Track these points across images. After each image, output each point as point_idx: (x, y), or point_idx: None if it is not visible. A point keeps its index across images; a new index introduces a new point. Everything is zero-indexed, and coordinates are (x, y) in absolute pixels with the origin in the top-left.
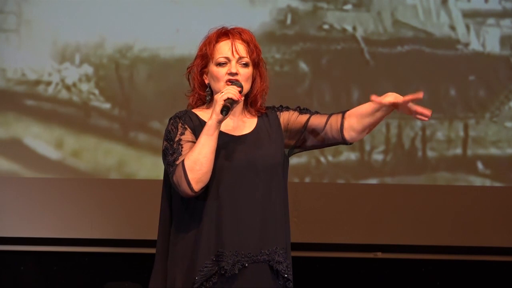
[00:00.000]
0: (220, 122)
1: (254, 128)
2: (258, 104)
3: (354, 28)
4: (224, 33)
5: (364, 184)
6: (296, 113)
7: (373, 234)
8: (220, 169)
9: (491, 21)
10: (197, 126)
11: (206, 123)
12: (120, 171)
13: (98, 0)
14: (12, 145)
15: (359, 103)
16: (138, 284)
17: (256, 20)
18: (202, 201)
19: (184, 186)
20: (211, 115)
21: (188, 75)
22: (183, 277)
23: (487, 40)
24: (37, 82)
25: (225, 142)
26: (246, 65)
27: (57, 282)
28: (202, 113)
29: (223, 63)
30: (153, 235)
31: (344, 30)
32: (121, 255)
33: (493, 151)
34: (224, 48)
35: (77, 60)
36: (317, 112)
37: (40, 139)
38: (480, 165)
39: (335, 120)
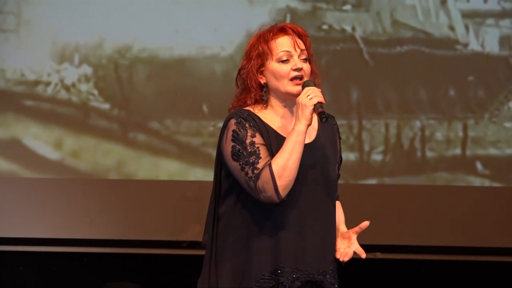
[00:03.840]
0: (307, 127)
1: (316, 136)
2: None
3: (353, 29)
4: (280, 29)
5: (363, 185)
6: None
7: (372, 234)
8: None
9: (490, 21)
10: (263, 129)
11: (294, 128)
12: (119, 172)
13: (97, 1)
14: (11, 146)
15: (358, 103)
16: (137, 284)
17: (255, 20)
18: (259, 211)
19: (271, 192)
20: (299, 119)
21: (237, 77)
22: (234, 283)
23: (486, 41)
24: (36, 83)
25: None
26: (306, 60)
27: (56, 282)
28: (262, 114)
29: (286, 60)
30: (152, 235)
31: (343, 30)
32: (120, 256)
33: (492, 151)
34: (285, 44)
35: (76, 61)
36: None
37: (39, 139)
38: (479, 166)
39: None
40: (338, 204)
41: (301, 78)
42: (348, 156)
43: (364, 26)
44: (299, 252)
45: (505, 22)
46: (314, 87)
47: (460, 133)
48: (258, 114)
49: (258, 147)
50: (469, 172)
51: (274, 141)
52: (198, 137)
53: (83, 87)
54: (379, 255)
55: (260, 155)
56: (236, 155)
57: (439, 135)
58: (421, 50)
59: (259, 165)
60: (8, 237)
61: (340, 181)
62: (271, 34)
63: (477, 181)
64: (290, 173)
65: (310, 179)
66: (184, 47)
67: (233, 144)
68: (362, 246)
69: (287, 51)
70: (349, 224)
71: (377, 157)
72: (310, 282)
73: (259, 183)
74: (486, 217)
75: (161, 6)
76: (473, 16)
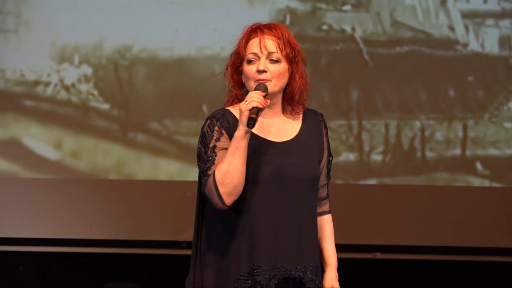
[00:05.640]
0: (248, 132)
1: (297, 134)
2: (295, 101)
3: (353, 29)
4: (254, 30)
5: (363, 185)
6: (324, 170)
7: (372, 234)
8: (256, 179)
9: (490, 21)
10: (234, 127)
11: (234, 134)
12: (119, 172)
13: (97, 1)
14: (11, 146)
15: (358, 103)
16: (137, 284)
17: (255, 20)
18: (235, 212)
19: (216, 200)
20: (239, 125)
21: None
22: (217, 284)
23: (486, 41)
24: (36, 83)
25: (263, 149)
26: (277, 61)
27: (56, 282)
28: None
29: (253, 60)
30: (152, 235)
31: (343, 30)
32: (120, 256)
33: (492, 151)
34: (253, 45)
35: (76, 61)
36: (328, 181)
37: (39, 139)
38: (479, 166)
39: (318, 194)
40: (327, 218)
41: (266, 79)
42: (348, 156)
43: (364, 26)
44: (275, 250)
45: (505, 23)
46: (256, 92)
47: (460, 134)
48: (235, 112)
49: (216, 152)
50: (469, 173)
51: (251, 141)
52: (197, 137)
53: (83, 87)
54: (379, 255)
55: (215, 161)
56: (198, 158)
57: (439, 136)
58: (421, 50)
59: (210, 172)
60: (8, 237)
61: (340, 181)
62: (246, 34)
63: (477, 182)
64: (233, 179)
65: (285, 177)
66: (184, 47)
67: (199, 146)
68: (362, 246)
69: (254, 52)
70: (348, 225)
71: (377, 157)
72: (290, 279)
73: (206, 190)
74: (486, 217)
75: (160, 6)
76: (473, 17)
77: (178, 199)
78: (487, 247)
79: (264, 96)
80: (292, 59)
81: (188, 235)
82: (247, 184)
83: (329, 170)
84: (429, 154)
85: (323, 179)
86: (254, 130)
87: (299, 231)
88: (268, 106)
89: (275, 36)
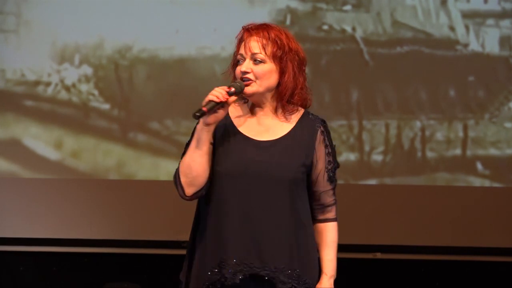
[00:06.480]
0: (207, 125)
1: (284, 135)
2: (284, 100)
3: (354, 29)
4: (245, 30)
5: (364, 185)
6: (323, 175)
7: (372, 234)
8: (228, 174)
9: (490, 21)
10: (221, 124)
11: (195, 126)
12: (119, 172)
13: (97, 1)
14: (11, 146)
15: (358, 103)
16: (137, 284)
17: (255, 21)
18: (210, 205)
19: (179, 190)
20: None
21: None
22: (196, 279)
23: (487, 41)
24: (37, 83)
25: (241, 145)
26: (260, 61)
27: (56, 282)
28: (238, 108)
29: (240, 61)
30: (152, 235)
31: (344, 30)
32: (120, 256)
33: (493, 151)
34: (241, 46)
35: (76, 61)
36: (332, 187)
37: (39, 139)
38: (479, 166)
39: (321, 200)
40: (330, 226)
41: (251, 80)
42: (349, 156)
43: (364, 26)
44: (244, 246)
45: (505, 23)
46: (221, 87)
47: (460, 134)
48: (233, 107)
49: (190, 145)
50: (469, 173)
51: (230, 136)
52: None
53: (83, 87)
54: (379, 255)
55: (186, 152)
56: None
57: (439, 136)
58: (421, 50)
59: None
60: (8, 237)
61: (340, 181)
62: (239, 35)
63: (477, 182)
64: (191, 170)
65: (258, 176)
66: (184, 47)
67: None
68: (363, 246)
69: (241, 53)
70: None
71: (377, 157)
72: (259, 278)
73: (173, 179)
74: (486, 217)
75: (161, 6)
76: (473, 17)
77: (178, 199)
78: (487, 247)
79: (235, 94)
80: (280, 58)
81: (188, 235)
82: (221, 177)
83: (330, 176)
84: (429, 154)
85: (322, 185)
86: (238, 127)
87: (278, 232)
88: (258, 105)
89: (260, 36)
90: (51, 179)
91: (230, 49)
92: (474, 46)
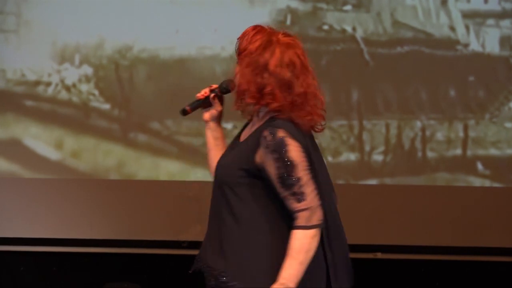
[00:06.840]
0: (206, 122)
1: (243, 140)
2: (238, 102)
3: (354, 29)
4: None
5: (364, 185)
6: (276, 181)
7: (373, 234)
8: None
9: (490, 21)
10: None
11: None
12: (120, 172)
13: (97, 1)
14: (11, 146)
15: (359, 103)
16: (137, 284)
17: (256, 21)
18: None
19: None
20: None
21: None
22: None
23: (487, 41)
24: (37, 83)
25: (226, 150)
26: (237, 62)
27: (56, 282)
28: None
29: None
30: (152, 235)
31: (344, 30)
32: (120, 256)
33: (493, 151)
34: None
35: (76, 61)
36: (290, 196)
37: (40, 139)
38: (479, 166)
39: (287, 207)
40: (292, 233)
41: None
42: (349, 156)
43: (364, 26)
44: (204, 241)
45: (505, 23)
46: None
47: (461, 134)
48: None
49: None
50: (470, 173)
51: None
52: (198, 137)
53: (84, 87)
54: (379, 255)
55: None
56: None
57: (439, 136)
58: (422, 50)
59: None
60: (8, 237)
61: (340, 181)
62: None
63: (477, 182)
64: (209, 166)
65: (215, 177)
66: (185, 47)
67: None
68: (363, 246)
69: None
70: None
71: (377, 157)
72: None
73: None
74: (486, 217)
75: (161, 6)
76: (473, 17)
77: (178, 199)
78: (487, 247)
79: (221, 92)
80: (239, 60)
81: (188, 235)
82: None
83: (283, 182)
84: (429, 154)
85: (279, 192)
86: (242, 131)
87: (214, 233)
88: None
89: (240, 38)
90: (51, 179)
91: (230, 49)
92: (474, 46)
